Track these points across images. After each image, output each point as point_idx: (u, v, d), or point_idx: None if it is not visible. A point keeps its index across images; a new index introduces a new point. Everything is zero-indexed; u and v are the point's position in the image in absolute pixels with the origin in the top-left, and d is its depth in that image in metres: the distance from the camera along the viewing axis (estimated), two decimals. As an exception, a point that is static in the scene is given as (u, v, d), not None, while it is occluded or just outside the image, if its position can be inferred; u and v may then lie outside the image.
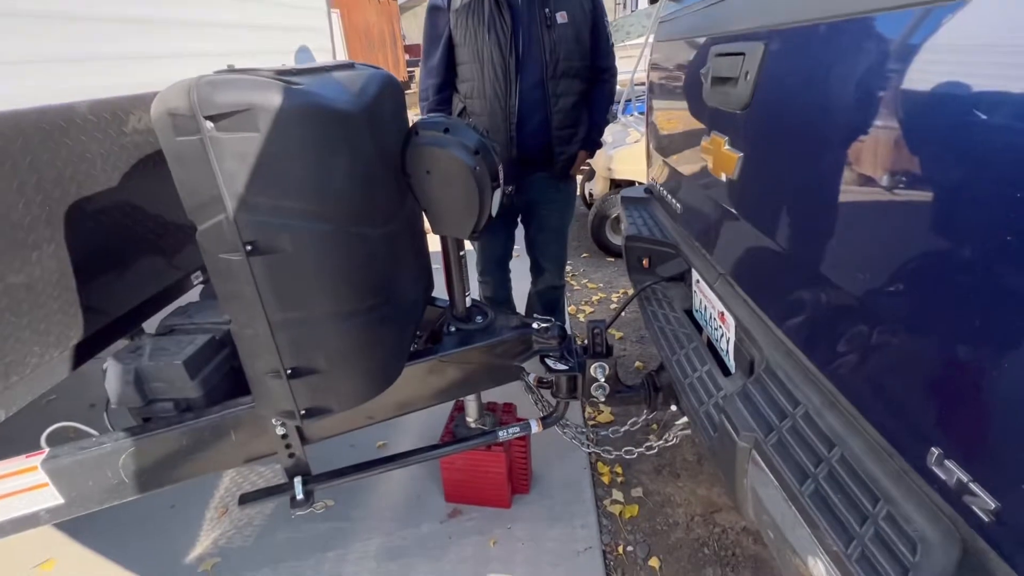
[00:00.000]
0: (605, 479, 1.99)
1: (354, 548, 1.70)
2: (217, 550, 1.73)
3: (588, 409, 2.40)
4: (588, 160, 4.48)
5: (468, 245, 1.74)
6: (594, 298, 3.57)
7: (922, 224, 0.70)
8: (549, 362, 1.56)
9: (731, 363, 1.37)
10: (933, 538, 0.69)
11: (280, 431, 1.29)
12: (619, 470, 2.03)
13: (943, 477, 0.65)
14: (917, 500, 0.73)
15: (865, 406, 0.83)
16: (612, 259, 4.17)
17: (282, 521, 1.81)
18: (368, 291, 1.15)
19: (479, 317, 1.58)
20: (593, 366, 1.56)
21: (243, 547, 1.73)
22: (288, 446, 1.33)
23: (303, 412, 1.16)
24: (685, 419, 1.65)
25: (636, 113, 4.81)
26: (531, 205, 2.22)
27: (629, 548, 1.70)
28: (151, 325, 1.49)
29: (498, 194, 1.34)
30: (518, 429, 1.57)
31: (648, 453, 1.70)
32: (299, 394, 1.14)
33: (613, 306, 3.43)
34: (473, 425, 1.75)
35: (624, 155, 3.80)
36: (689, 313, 1.72)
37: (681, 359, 1.49)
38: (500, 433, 1.55)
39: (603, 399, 1.59)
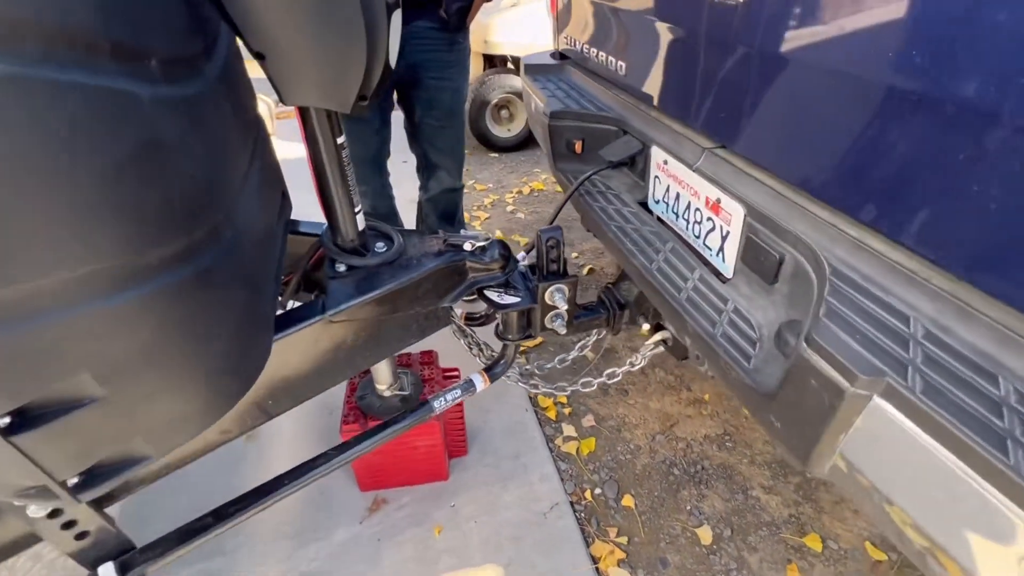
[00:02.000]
0: (550, 413, 1.69)
1: (240, 594, 1.19)
2: (0, 663, 1.08)
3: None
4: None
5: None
6: (486, 201, 3.09)
7: None
8: (492, 295, 1.10)
9: (725, 266, 1.06)
10: None
11: (39, 512, 0.68)
12: (563, 400, 1.74)
13: None
14: None
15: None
16: (497, 154, 3.65)
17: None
18: (164, 220, 0.55)
19: (380, 244, 1.04)
20: (549, 291, 1.14)
21: (48, 645, 1.11)
22: (69, 525, 0.72)
23: (74, 483, 0.58)
24: (657, 337, 1.36)
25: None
26: (414, 73, 1.58)
27: (597, 491, 1.46)
28: None
29: (397, 21, 0.75)
30: (459, 392, 1.13)
31: (610, 382, 1.40)
32: (51, 453, 0.55)
33: (510, 209, 3.00)
34: (387, 393, 1.27)
35: (502, 23, 3.15)
36: (643, 207, 1.37)
37: (662, 266, 1.14)
38: (436, 404, 1.10)
39: (563, 331, 1.21)
